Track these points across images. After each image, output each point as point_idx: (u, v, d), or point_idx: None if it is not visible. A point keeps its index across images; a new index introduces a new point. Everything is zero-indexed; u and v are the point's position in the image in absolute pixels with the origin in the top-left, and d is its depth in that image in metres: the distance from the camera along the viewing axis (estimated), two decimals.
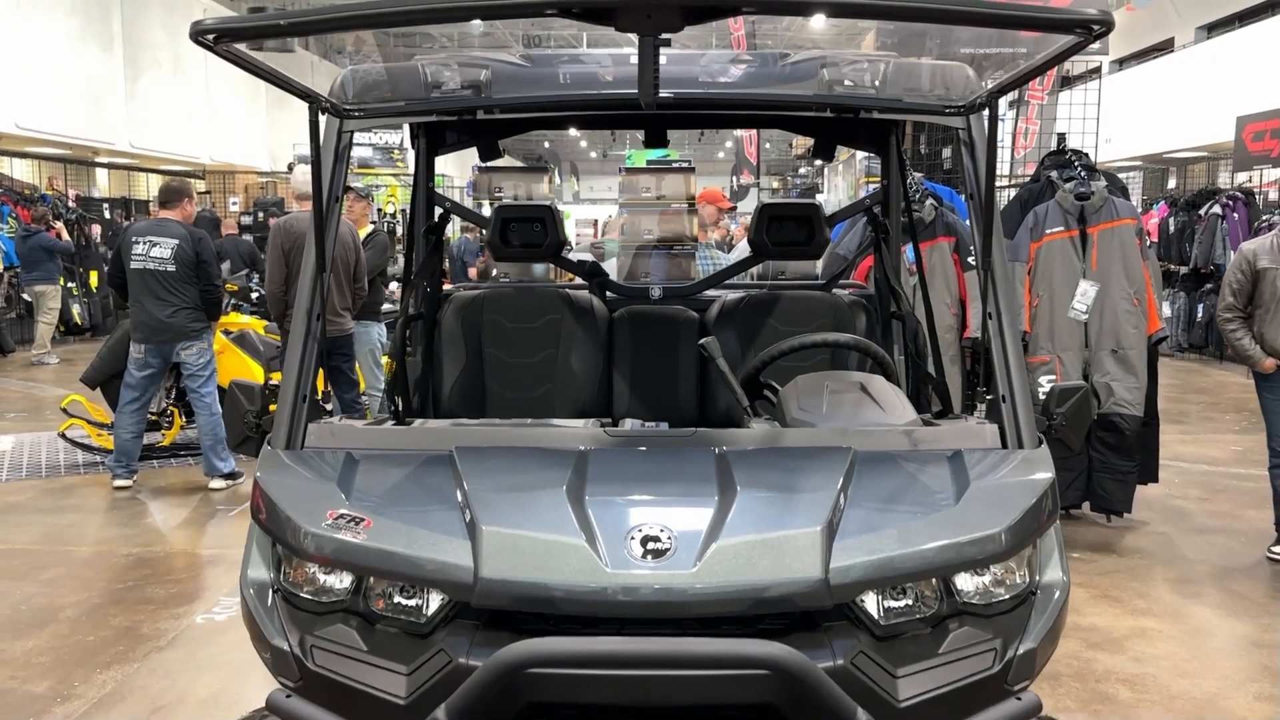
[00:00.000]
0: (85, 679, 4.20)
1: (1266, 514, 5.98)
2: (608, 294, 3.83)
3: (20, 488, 7.34)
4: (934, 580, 1.98)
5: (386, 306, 8.46)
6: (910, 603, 1.97)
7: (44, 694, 4.06)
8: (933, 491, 2.11)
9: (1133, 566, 5.69)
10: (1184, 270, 13.97)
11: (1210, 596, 5.23)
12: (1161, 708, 4.01)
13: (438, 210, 3.83)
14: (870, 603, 1.95)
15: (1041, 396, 2.47)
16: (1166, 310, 11.75)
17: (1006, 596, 2.03)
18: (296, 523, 2.03)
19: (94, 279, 16.09)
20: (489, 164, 4.18)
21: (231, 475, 7.29)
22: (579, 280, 3.98)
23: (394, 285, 11.77)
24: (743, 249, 5.97)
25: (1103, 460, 6.19)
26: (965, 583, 2.01)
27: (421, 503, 2.10)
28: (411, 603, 1.98)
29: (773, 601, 1.85)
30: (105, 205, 18.54)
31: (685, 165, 4.67)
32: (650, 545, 1.88)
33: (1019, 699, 1.93)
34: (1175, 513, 6.73)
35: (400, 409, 3.34)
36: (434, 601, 1.96)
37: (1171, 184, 18.19)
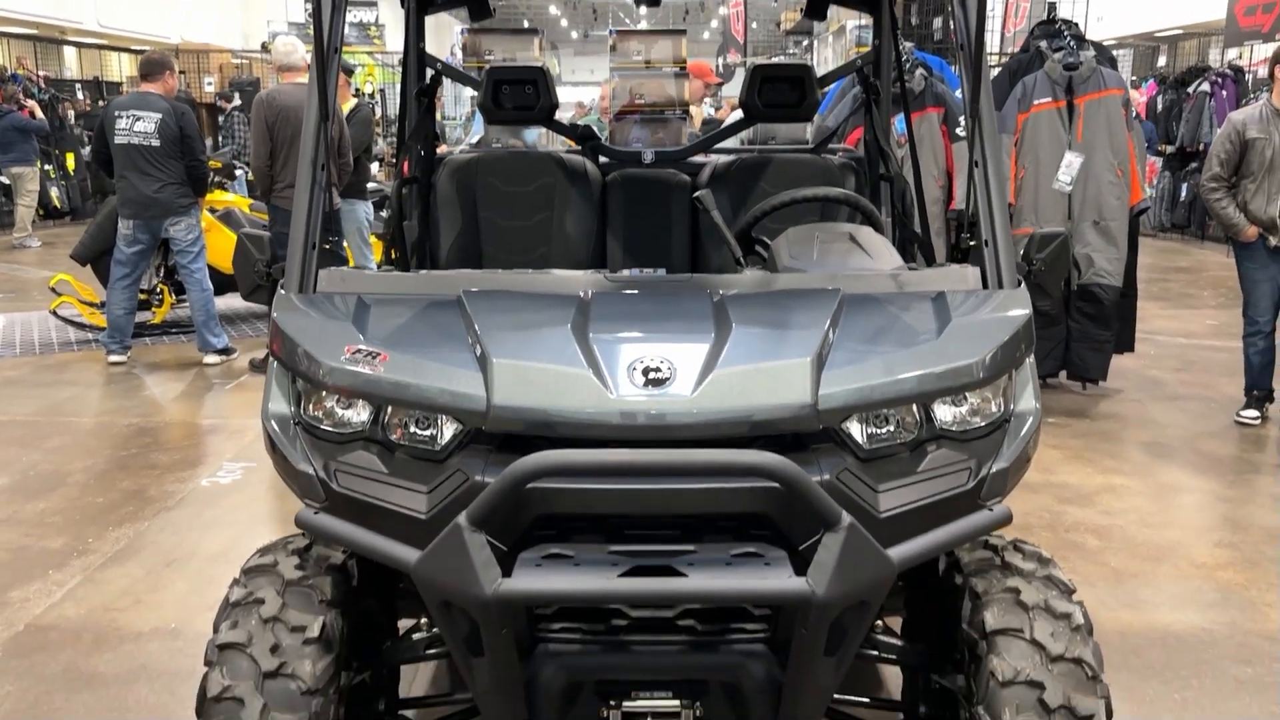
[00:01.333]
0: (98, 535, 4.37)
1: (1238, 383, 6.18)
2: (600, 158, 3.88)
3: (15, 364, 7.42)
4: (915, 407, 2.11)
5: (373, 185, 8.43)
6: (892, 429, 2.10)
7: (60, 549, 4.23)
8: (916, 327, 2.22)
9: (1105, 430, 5.90)
10: (1170, 150, 13.97)
11: (1179, 457, 5.45)
12: (1126, 554, 4.24)
13: (429, 73, 3.83)
14: (855, 428, 2.08)
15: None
16: (1150, 190, 11.81)
17: (982, 423, 2.16)
18: (317, 358, 2.12)
19: (70, 162, 15.85)
20: (478, 25, 4.16)
21: (225, 351, 7.38)
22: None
23: (375, 166, 11.62)
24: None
25: (1080, 330, 6.35)
26: (944, 411, 2.13)
27: (434, 339, 2.19)
28: (427, 433, 2.09)
29: (765, 424, 1.97)
30: (77, 86, 18.12)
31: (677, 29, 4.64)
32: (651, 375, 1.99)
33: (990, 510, 2.09)
34: (1149, 382, 6.93)
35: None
36: (448, 431, 2.08)
37: (1162, 62, 18.01)
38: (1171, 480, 5.12)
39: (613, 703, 2.00)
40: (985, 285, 2.43)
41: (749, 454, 1.81)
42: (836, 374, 2.04)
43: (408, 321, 2.27)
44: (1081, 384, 6.59)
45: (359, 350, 2.11)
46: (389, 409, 2.10)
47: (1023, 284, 2.41)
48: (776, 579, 1.82)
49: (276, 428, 2.21)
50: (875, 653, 2.39)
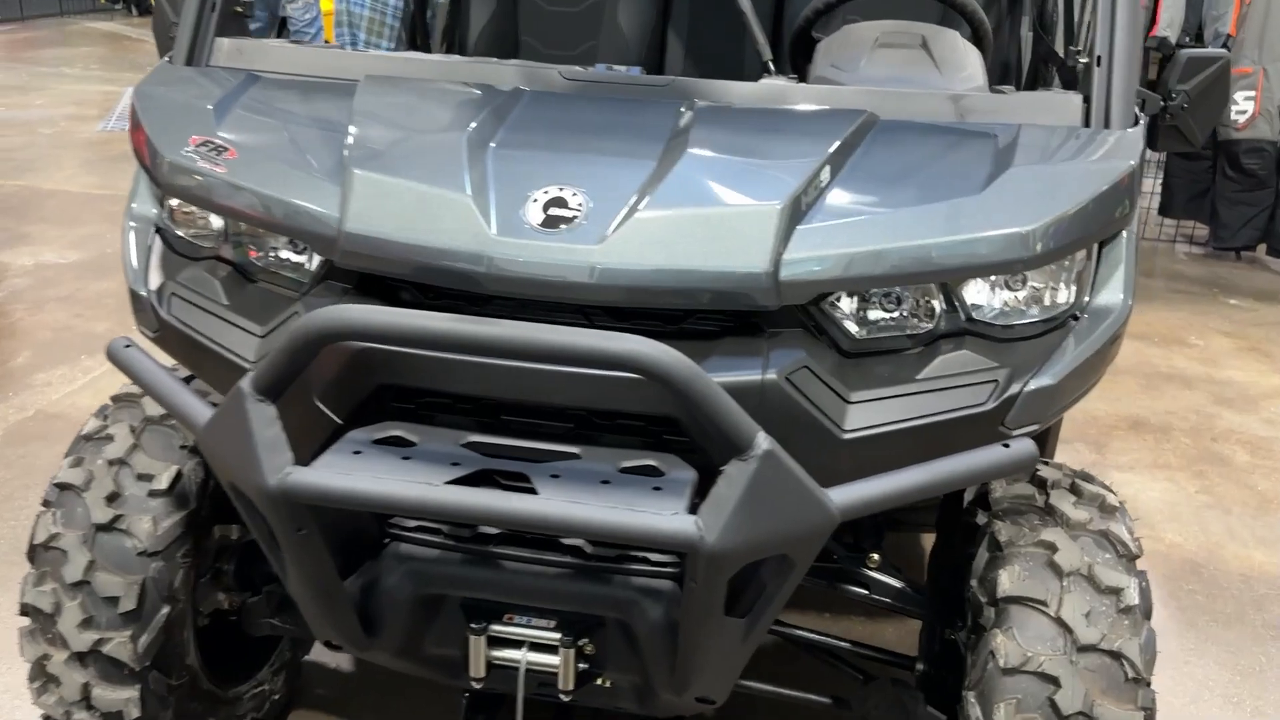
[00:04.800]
0: None
1: None
2: None
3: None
4: (934, 288, 1.49)
5: None
6: (901, 314, 1.51)
7: (102, 333, 4.10)
8: (958, 174, 1.57)
9: None
10: None
11: None
12: None
13: None
14: (845, 310, 1.50)
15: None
16: None
17: (1036, 317, 1.53)
18: (157, 149, 1.70)
19: None
20: None
21: None
22: None
23: None
24: None
25: None
26: (977, 294, 1.51)
27: (305, 137, 1.71)
28: (300, 257, 1.65)
29: (695, 293, 1.41)
30: None
31: None
32: (553, 210, 1.45)
33: (1006, 446, 1.45)
34: None
35: None
36: (316, 260, 1.62)
37: None
38: None
39: (476, 625, 1.56)
40: (1088, 122, 1.73)
41: (617, 339, 1.26)
42: (816, 231, 1.45)
43: (288, 111, 1.79)
44: None
45: (205, 143, 1.65)
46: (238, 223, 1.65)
47: (1140, 123, 1.70)
48: (653, 514, 1.29)
49: (132, 234, 1.82)
50: (865, 592, 1.86)
